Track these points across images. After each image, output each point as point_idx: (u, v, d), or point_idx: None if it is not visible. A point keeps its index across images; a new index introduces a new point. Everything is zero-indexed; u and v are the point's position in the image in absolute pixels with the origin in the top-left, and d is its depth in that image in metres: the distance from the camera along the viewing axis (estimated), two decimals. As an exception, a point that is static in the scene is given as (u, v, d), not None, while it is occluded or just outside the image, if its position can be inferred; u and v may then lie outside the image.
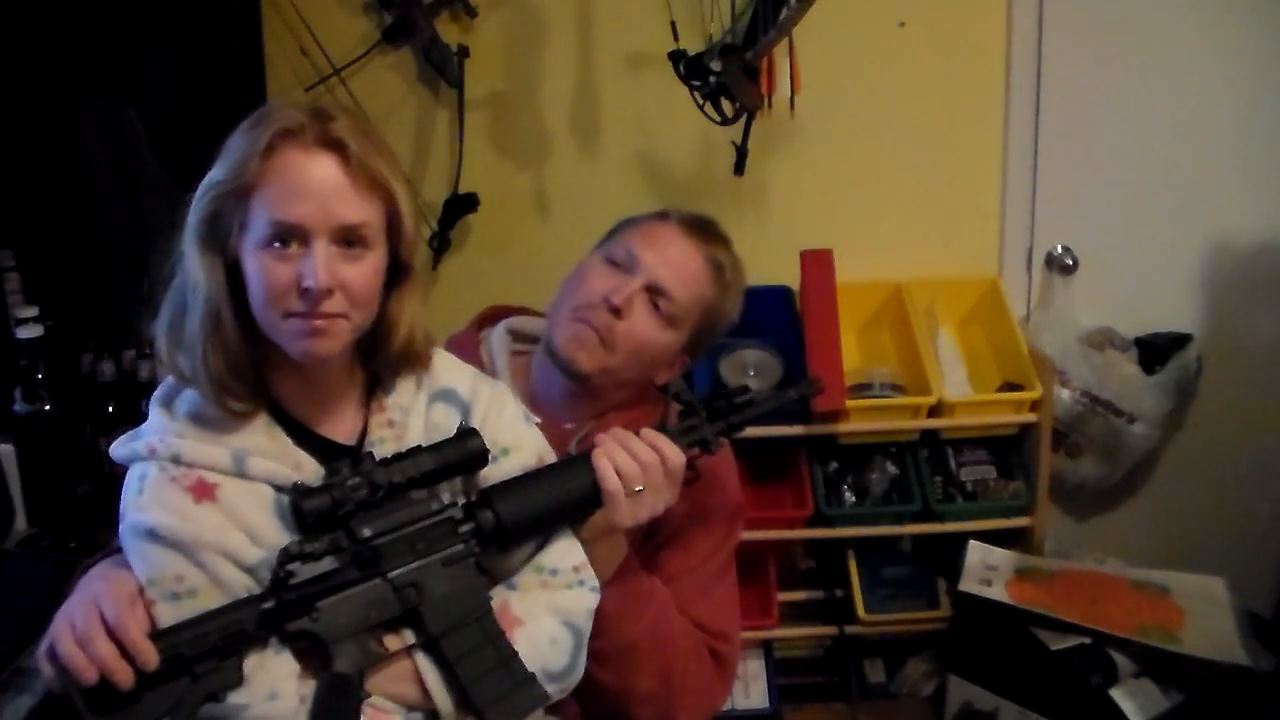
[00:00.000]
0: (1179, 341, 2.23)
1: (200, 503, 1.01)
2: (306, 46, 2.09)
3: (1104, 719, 1.75)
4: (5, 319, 1.80)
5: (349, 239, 1.01)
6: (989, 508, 2.07)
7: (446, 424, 1.13)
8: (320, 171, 1.00)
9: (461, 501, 1.10)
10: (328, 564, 1.02)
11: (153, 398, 1.09)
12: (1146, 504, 2.38)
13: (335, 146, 1.00)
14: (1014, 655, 1.88)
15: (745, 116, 1.94)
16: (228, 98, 1.97)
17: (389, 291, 1.08)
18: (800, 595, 2.16)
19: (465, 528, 1.09)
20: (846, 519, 2.05)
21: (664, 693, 1.27)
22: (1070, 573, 1.98)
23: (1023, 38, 2.18)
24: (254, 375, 1.05)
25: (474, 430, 1.10)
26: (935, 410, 2.02)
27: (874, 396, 2.04)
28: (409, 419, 1.12)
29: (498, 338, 1.44)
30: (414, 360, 1.12)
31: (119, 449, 1.06)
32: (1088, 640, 1.81)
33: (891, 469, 2.09)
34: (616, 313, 1.31)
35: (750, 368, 2.05)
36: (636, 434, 1.17)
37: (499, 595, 1.11)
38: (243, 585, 1.01)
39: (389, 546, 1.05)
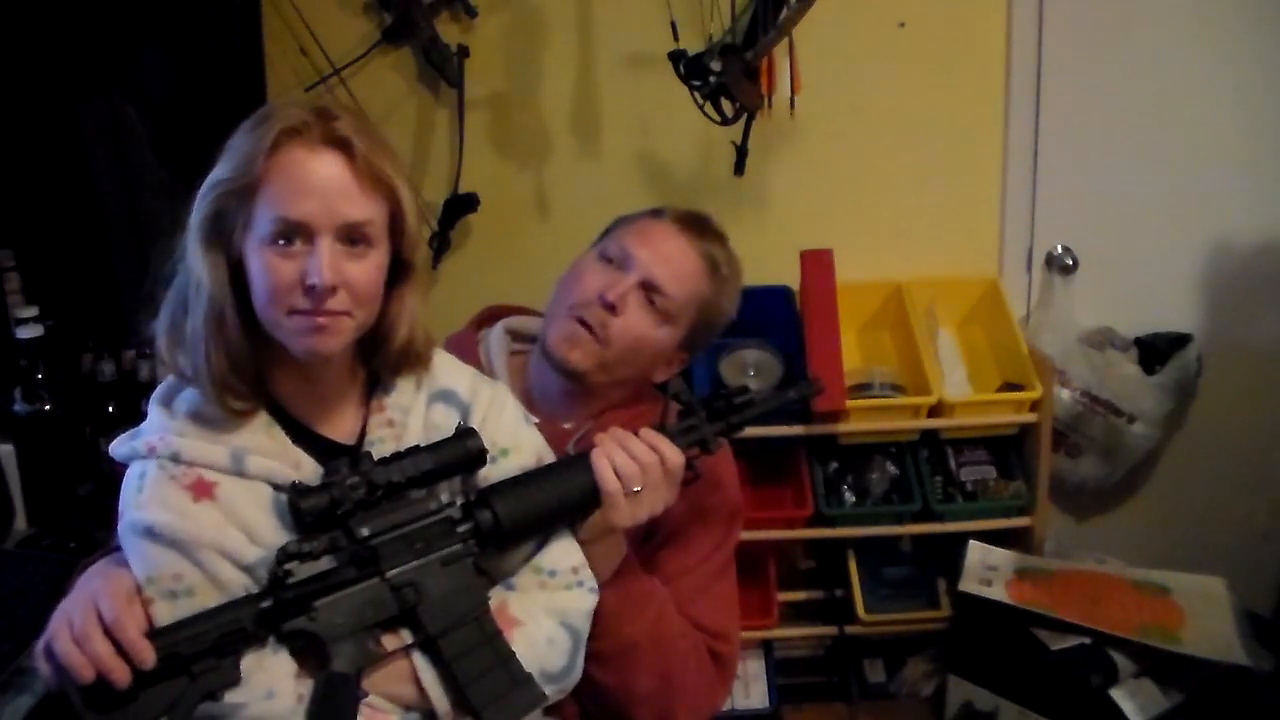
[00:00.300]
0: (1179, 341, 2.23)
1: (199, 501, 1.01)
2: (306, 46, 2.09)
3: (1104, 719, 1.75)
4: (5, 319, 1.80)
5: (353, 237, 1.01)
6: (989, 508, 2.06)
7: (446, 424, 1.13)
8: (325, 169, 1.00)
9: (460, 501, 1.10)
10: (326, 563, 1.02)
11: (152, 396, 1.09)
12: (1146, 504, 2.38)
13: (340, 145, 1.01)
14: (1014, 655, 1.88)
15: (745, 116, 1.94)
16: (228, 97, 1.96)
17: (390, 290, 1.08)
18: (800, 595, 2.16)
19: (464, 527, 1.09)
20: (846, 519, 2.05)
21: (663, 693, 1.26)
22: (1070, 573, 1.98)
23: (1023, 38, 2.18)
24: (255, 374, 1.05)
25: (472, 430, 1.10)
26: (935, 410, 2.02)
27: (874, 396, 2.04)
28: (408, 419, 1.12)
29: (496, 338, 1.44)
30: (414, 360, 1.13)
31: (119, 448, 1.06)
32: (1088, 640, 1.81)
33: (891, 469, 2.09)
34: (611, 309, 1.31)
35: (750, 368, 2.05)
36: (635, 434, 1.17)
37: (497, 595, 1.11)
38: (241, 584, 1.01)
39: (387, 546, 1.05)
